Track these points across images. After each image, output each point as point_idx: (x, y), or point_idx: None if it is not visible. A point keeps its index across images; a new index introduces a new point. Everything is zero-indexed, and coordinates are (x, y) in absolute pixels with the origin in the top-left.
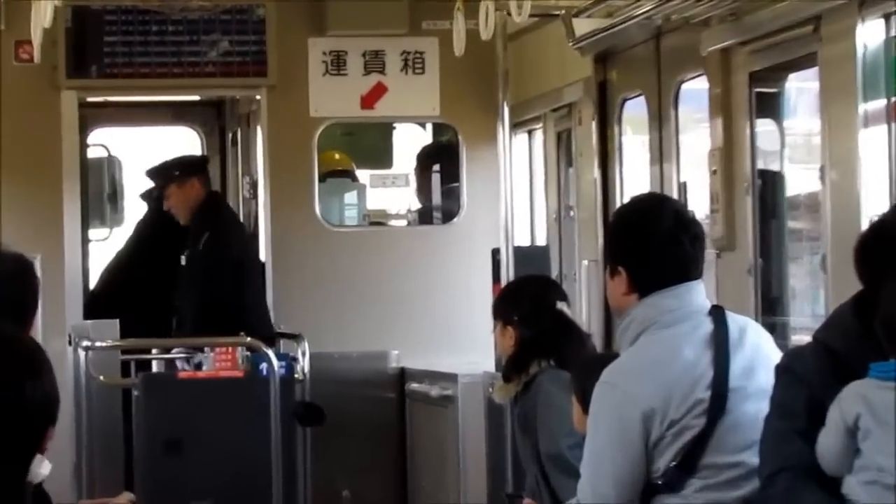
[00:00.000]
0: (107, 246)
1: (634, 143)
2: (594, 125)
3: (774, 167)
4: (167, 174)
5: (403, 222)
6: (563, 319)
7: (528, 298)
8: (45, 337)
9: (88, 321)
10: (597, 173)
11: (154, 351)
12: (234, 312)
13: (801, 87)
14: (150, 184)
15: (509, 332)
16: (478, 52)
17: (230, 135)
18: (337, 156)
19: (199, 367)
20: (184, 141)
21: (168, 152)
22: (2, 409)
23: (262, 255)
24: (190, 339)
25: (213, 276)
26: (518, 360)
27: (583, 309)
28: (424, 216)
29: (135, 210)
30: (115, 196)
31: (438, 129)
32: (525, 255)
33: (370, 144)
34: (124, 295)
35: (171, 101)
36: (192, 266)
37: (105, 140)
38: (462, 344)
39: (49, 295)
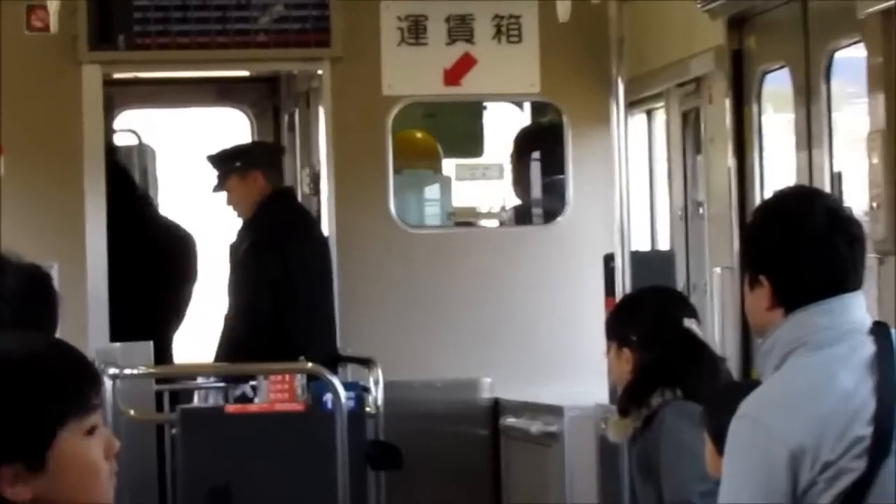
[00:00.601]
0: None
1: (777, 124)
2: (728, 103)
3: None
4: (228, 164)
5: (496, 222)
6: (692, 340)
7: (648, 315)
8: None
9: (116, 343)
10: (731, 161)
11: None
12: (277, 334)
13: None
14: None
15: (626, 356)
16: (586, 16)
17: (286, 118)
18: (416, 142)
19: (244, 398)
20: (230, 125)
21: (211, 139)
22: None
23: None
24: (239, 365)
25: (247, 295)
26: (637, 390)
27: (715, 327)
28: (522, 215)
29: (172, 207)
30: (147, 190)
31: (539, 109)
32: (644, 262)
33: (456, 128)
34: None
35: (214, 77)
36: (231, 278)
37: (135, 125)
38: (568, 370)
39: (69, 312)
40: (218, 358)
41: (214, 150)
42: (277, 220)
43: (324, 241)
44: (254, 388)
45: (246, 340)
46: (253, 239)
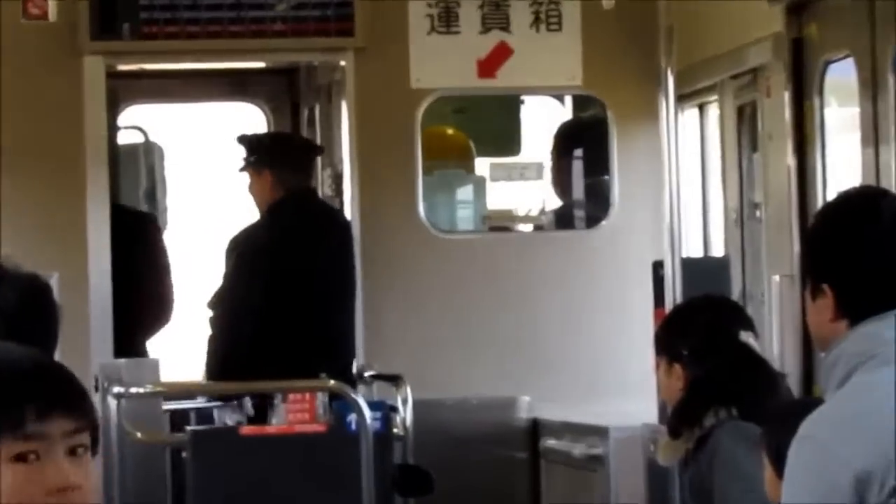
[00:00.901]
0: None
1: (841, 119)
2: (787, 96)
3: None
4: (246, 154)
5: (534, 227)
6: (748, 355)
7: (701, 327)
8: None
9: (121, 360)
10: (791, 160)
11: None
12: (258, 353)
13: None
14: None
15: (677, 372)
16: (632, 1)
17: (305, 113)
18: (448, 140)
19: (255, 418)
20: (244, 121)
21: (223, 136)
22: None
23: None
24: (255, 383)
25: (225, 313)
26: (689, 409)
27: (773, 340)
28: (562, 218)
29: (180, 211)
30: (154, 193)
31: (581, 103)
32: (697, 270)
33: (490, 125)
34: None
35: (227, 69)
36: (219, 287)
37: (141, 121)
38: (614, 388)
39: (70, 325)
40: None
41: (245, 133)
42: (272, 232)
43: (332, 254)
44: (256, 407)
45: (226, 356)
46: (241, 249)
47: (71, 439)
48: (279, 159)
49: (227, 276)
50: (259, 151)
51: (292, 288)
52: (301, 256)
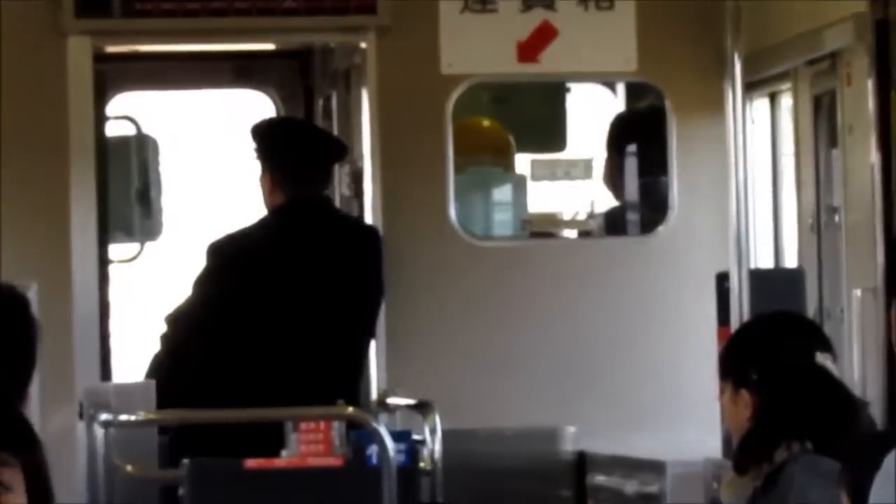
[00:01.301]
0: (136, 268)
1: None
2: (871, 85)
3: None
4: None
5: (582, 233)
6: (825, 380)
7: (771, 349)
8: (45, 406)
9: (109, 383)
10: (875, 157)
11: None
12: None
13: None
14: None
15: (744, 399)
16: None
17: (320, 101)
18: (483, 133)
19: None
20: (251, 111)
21: (227, 127)
22: None
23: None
24: (263, 410)
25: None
26: (757, 442)
27: (854, 362)
28: (614, 223)
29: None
30: (148, 192)
31: (635, 92)
32: (767, 283)
33: (532, 116)
34: None
35: (231, 51)
36: None
37: (133, 110)
38: (671, 417)
39: (51, 343)
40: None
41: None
42: (252, 247)
43: (321, 283)
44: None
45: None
46: (210, 262)
47: None
48: (281, 157)
49: (191, 289)
50: (260, 143)
51: (255, 314)
52: (276, 283)
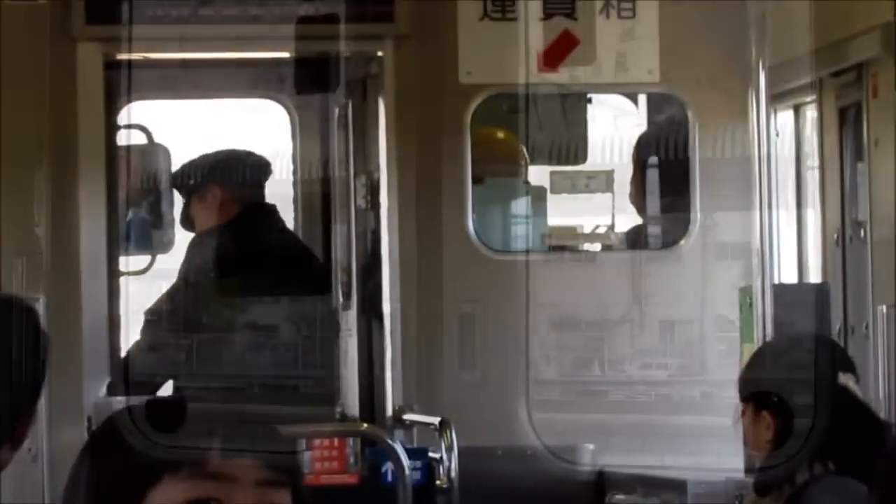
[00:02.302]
0: (147, 281)
1: None
2: None
3: None
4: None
5: (602, 246)
6: (849, 400)
7: (794, 368)
8: (54, 422)
9: (119, 397)
10: None
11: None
12: None
13: None
14: None
15: (765, 420)
16: None
17: (336, 111)
18: (501, 144)
19: None
20: (265, 121)
21: (240, 138)
22: None
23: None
24: (277, 427)
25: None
26: (779, 463)
27: (879, 382)
28: (636, 237)
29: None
30: (159, 204)
31: (657, 103)
32: (791, 298)
33: (552, 127)
34: None
35: (245, 59)
36: None
37: (145, 119)
38: (693, 436)
39: (59, 358)
40: None
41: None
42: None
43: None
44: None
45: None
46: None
47: None
48: (224, 170)
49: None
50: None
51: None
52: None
